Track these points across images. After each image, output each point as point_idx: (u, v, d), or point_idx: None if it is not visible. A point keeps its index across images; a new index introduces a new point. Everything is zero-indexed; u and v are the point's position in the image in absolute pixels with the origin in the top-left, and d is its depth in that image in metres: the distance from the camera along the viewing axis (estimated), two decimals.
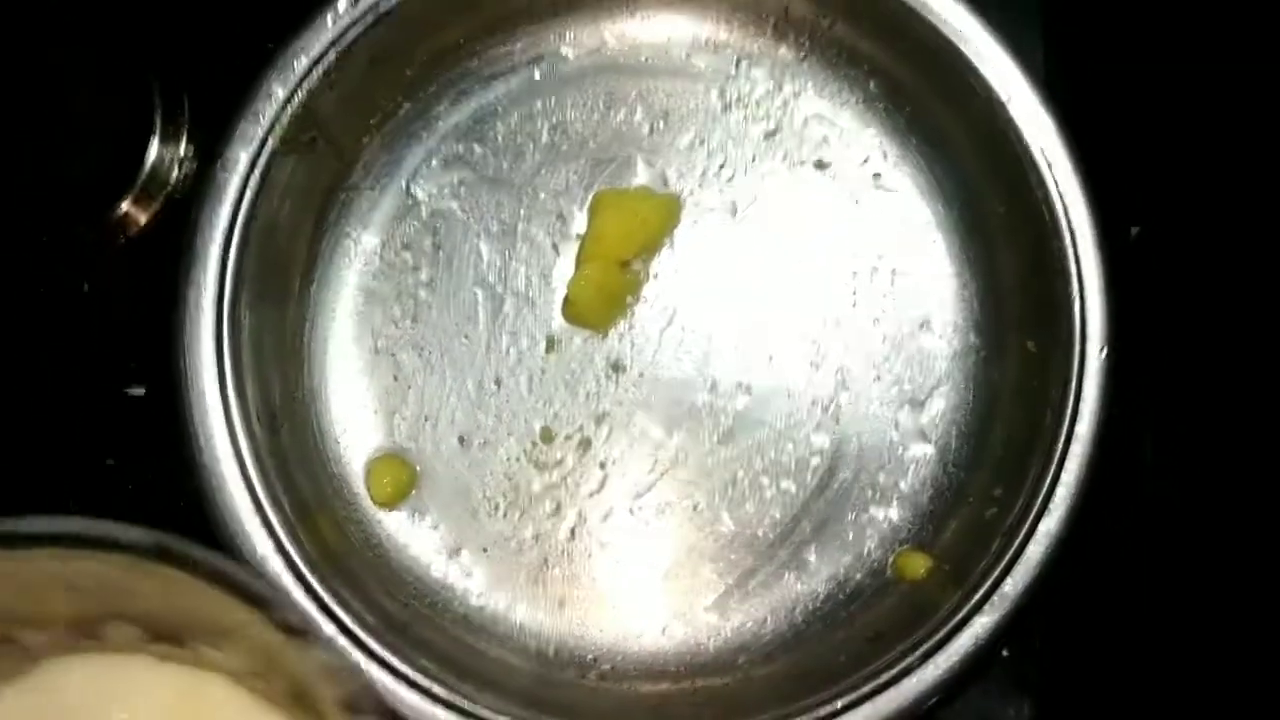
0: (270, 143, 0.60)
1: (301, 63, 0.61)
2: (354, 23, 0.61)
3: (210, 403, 0.58)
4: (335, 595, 0.56)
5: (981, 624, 0.56)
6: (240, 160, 0.60)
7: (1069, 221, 0.59)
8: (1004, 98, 0.59)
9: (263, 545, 0.57)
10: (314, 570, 0.57)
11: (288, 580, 0.56)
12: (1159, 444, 0.65)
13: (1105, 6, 0.67)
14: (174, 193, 0.71)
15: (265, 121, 0.60)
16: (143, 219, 0.71)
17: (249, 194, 0.60)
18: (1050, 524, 0.57)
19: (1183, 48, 0.67)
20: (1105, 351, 0.58)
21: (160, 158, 0.70)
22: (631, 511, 0.61)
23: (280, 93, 0.60)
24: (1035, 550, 0.57)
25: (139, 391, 0.69)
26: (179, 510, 0.60)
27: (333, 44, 0.61)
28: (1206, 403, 0.66)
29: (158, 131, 0.71)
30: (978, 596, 0.56)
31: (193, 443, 0.58)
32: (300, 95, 0.61)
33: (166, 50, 0.71)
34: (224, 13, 0.70)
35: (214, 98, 0.68)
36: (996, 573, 0.56)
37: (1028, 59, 0.59)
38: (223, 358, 0.58)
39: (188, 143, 0.71)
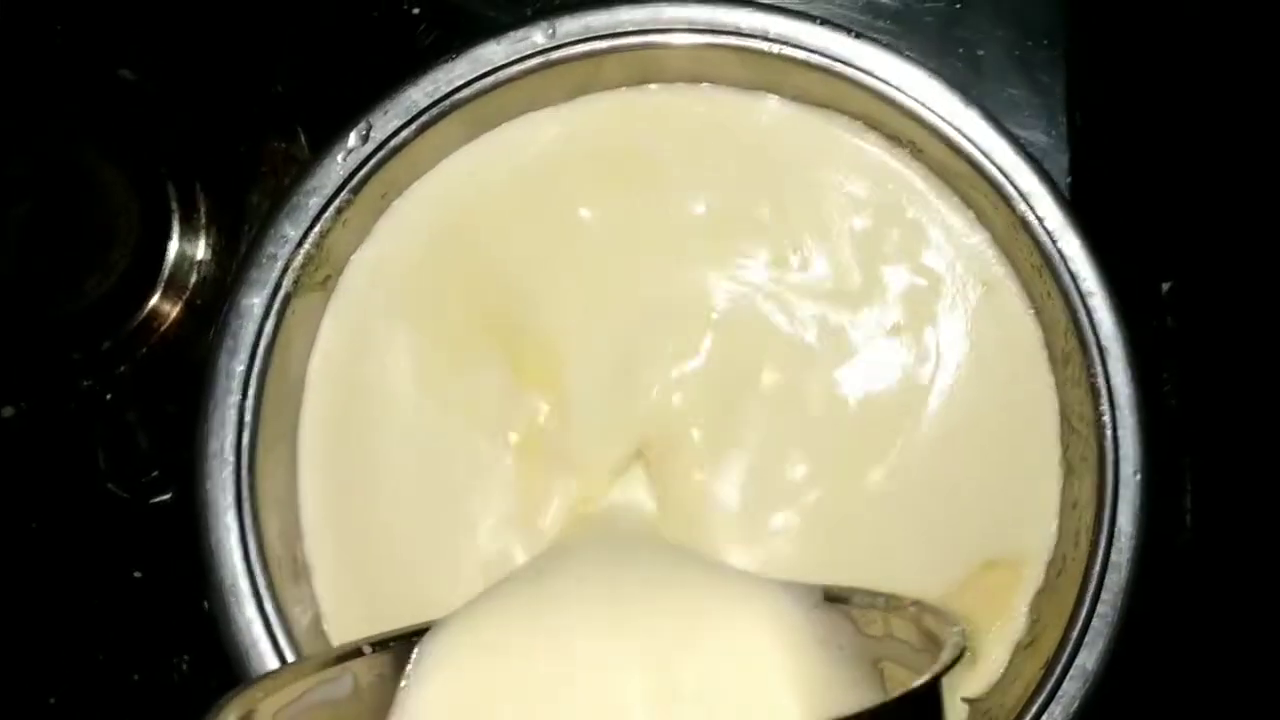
0: (285, 286, 0.59)
1: (314, 202, 0.60)
2: (366, 159, 0.60)
3: (235, 561, 0.58)
4: None
5: None
6: (255, 306, 0.59)
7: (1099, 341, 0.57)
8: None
9: None
10: None
11: None
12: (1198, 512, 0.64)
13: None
14: (194, 298, 0.71)
15: (279, 265, 0.60)
16: (164, 325, 0.71)
17: (264, 341, 0.59)
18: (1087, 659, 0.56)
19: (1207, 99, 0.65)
20: (1139, 475, 0.57)
21: (180, 258, 0.70)
22: None
23: (293, 234, 0.60)
24: (1072, 687, 0.56)
25: (165, 498, 0.69)
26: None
27: (345, 182, 0.60)
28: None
29: (175, 235, 0.71)
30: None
31: (219, 602, 0.58)
32: (313, 236, 0.60)
33: (181, 152, 0.70)
34: (232, 103, 0.70)
35: (230, 192, 0.68)
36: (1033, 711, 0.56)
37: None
38: (243, 511, 0.58)
39: (205, 245, 0.71)
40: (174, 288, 0.71)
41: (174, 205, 0.72)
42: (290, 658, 0.57)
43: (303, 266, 0.60)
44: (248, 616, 0.57)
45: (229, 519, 0.58)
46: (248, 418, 0.59)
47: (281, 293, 0.60)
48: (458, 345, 0.60)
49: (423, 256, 0.61)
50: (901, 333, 0.61)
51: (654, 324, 0.60)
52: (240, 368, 0.59)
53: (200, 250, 0.72)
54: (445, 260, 0.61)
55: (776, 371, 0.60)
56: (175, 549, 0.62)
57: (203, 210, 0.72)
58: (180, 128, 0.72)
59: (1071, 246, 0.59)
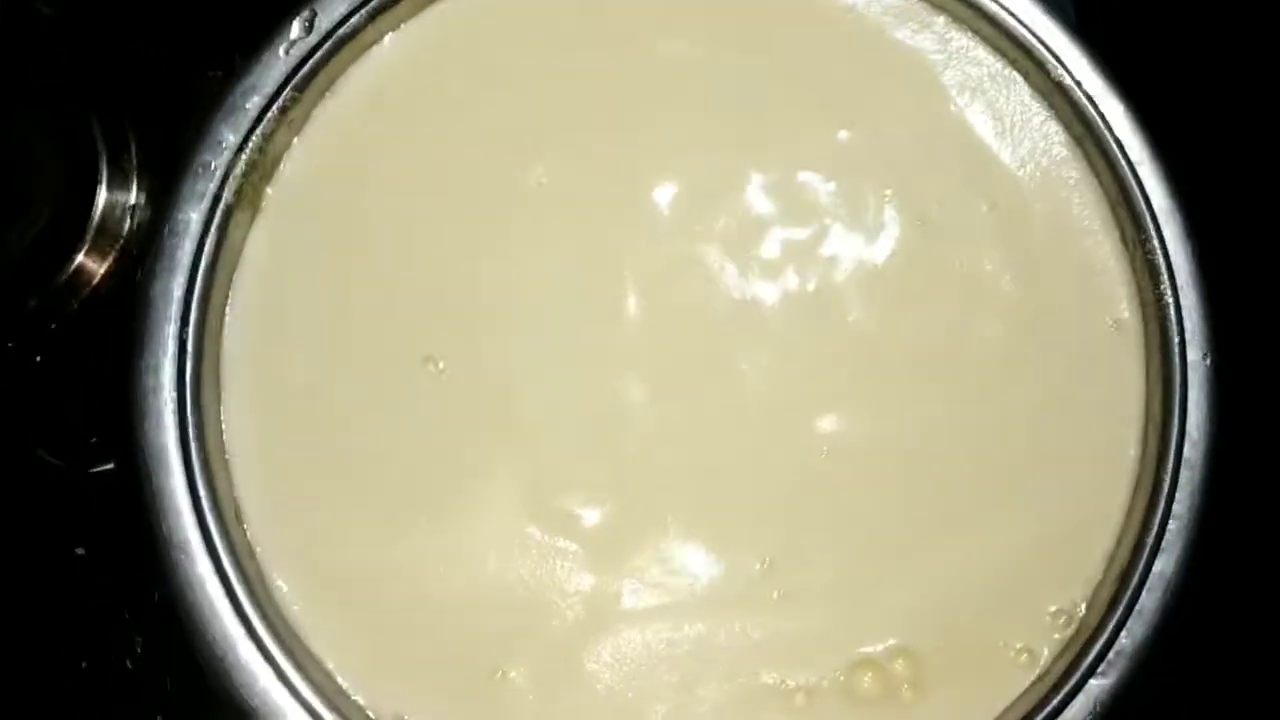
0: (225, 198, 0.52)
1: (254, 102, 0.52)
2: (312, 51, 0.52)
3: (182, 508, 0.50)
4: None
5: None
6: (191, 222, 0.52)
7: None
8: None
9: (250, 660, 0.49)
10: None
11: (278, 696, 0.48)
12: None
13: None
14: (128, 245, 0.64)
15: (218, 175, 0.52)
16: (100, 271, 0.63)
17: (204, 260, 0.51)
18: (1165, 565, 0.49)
19: None
20: (1209, 359, 0.50)
21: (110, 207, 0.63)
22: None
23: (232, 139, 0.52)
24: (1150, 599, 0.49)
25: (107, 467, 0.62)
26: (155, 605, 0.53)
27: (289, 78, 0.52)
28: None
29: (104, 180, 0.63)
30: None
31: (169, 558, 0.50)
32: (255, 139, 0.52)
33: (107, 93, 0.63)
34: (163, 40, 0.62)
35: (164, 137, 0.62)
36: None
37: None
38: (188, 449, 0.50)
39: (138, 189, 0.64)
40: (105, 238, 0.64)
41: (101, 148, 0.64)
42: (254, 618, 0.49)
43: (245, 175, 0.52)
44: (199, 573, 0.49)
45: (174, 464, 0.50)
46: (189, 346, 0.51)
47: (222, 205, 0.52)
48: (388, 261, 0.53)
49: (363, 156, 0.53)
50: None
51: (630, 222, 0.54)
52: (179, 291, 0.51)
53: (133, 195, 0.65)
54: (383, 159, 0.53)
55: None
56: (122, 522, 0.54)
57: (134, 152, 0.65)
58: (106, 64, 0.65)
59: (1114, 111, 0.53)
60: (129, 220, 0.64)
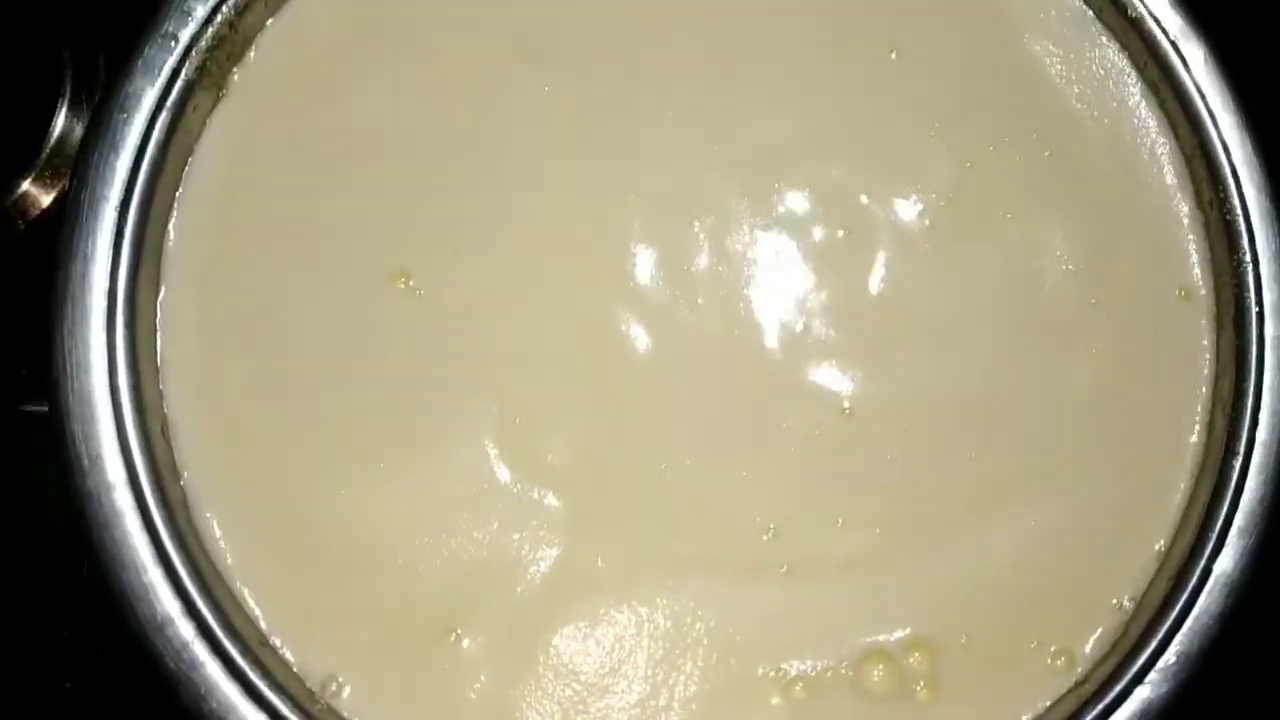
0: (185, 73, 0.45)
1: None
2: None
3: (100, 414, 0.43)
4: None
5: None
6: (144, 96, 0.45)
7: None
8: None
9: (168, 606, 0.42)
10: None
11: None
12: None
13: None
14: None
15: (179, 47, 0.46)
16: (45, 200, 0.58)
17: (154, 141, 0.45)
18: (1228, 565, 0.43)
19: None
20: None
21: (69, 128, 0.58)
22: None
23: (200, 10, 0.46)
24: (1210, 602, 0.42)
25: (40, 408, 0.55)
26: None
27: None
28: None
29: (67, 96, 0.58)
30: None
31: (76, 467, 0.43)
32: (226, 11, 0.46)
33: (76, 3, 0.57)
34: None
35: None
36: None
37: None
38: (115, 355, 0.43)
39: None
40: (53, 169, 0.58)
41: (67, 72, 0.59)
42: (171, 550, 0.42)
43: (210, 50, 0.46)
44: (111, 485, 0.42)
45: (95, 363, 0.43)
46: (128, 232, 0.44)
47: (181, 81, 0.45)
48: (361, 163, 0.46)
49: (344, 45, 0.47)
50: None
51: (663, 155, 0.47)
52: (122, 172, 0.45)
53: None
54: (366, 49, 0.47)
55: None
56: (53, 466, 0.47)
57: (101, 78, 0.59)
58: None
59: (1195, 55, 0.47)
60: None
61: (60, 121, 0.58)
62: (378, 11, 0.48)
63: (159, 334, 0.45)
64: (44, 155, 0.58)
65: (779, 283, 0.46)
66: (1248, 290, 0.45)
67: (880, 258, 0.47)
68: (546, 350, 0.46)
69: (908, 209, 0.47)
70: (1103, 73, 0.48)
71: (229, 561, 0.44)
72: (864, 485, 0.45)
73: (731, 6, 0.48)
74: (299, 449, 0.45)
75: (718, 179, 0.47)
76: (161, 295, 0.45)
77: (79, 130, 0.57)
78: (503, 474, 0.45)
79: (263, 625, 0.44)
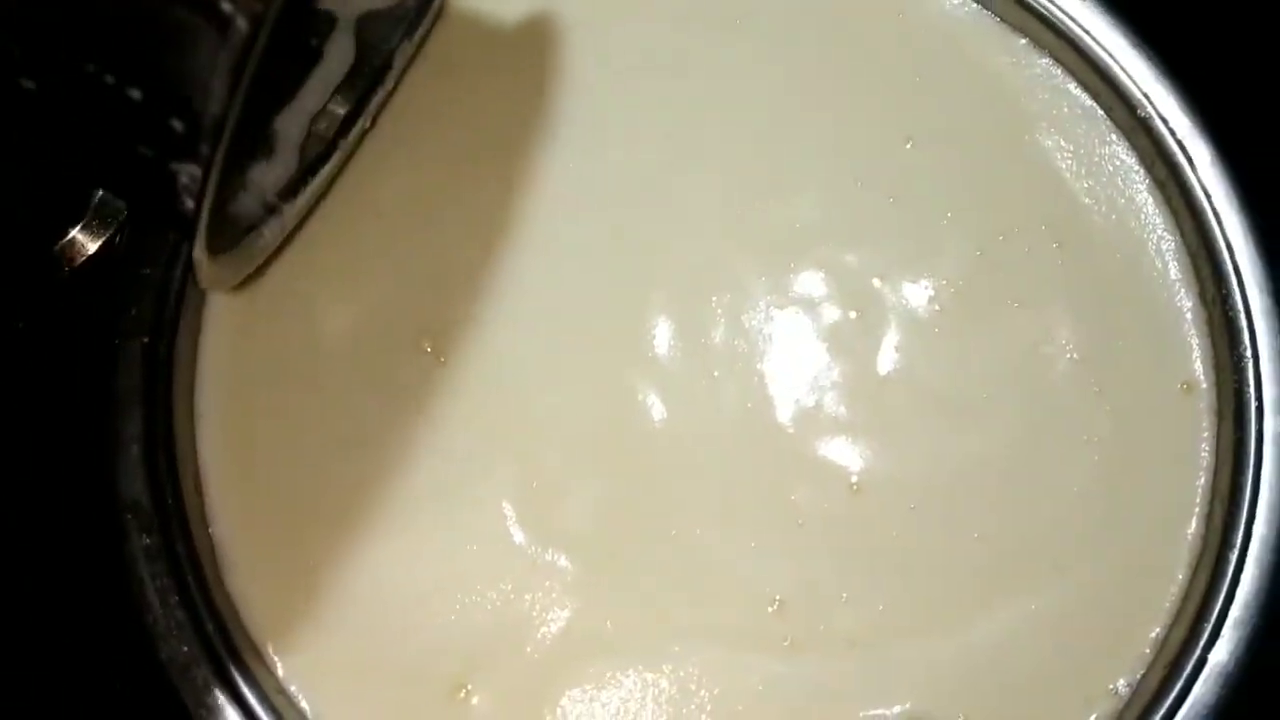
0: None
1: None
2: None
3: (134, 462, 0.45)
4: None
5: None
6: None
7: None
8: None
9: (190, 649, 0.44)
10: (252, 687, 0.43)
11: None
12: None
13: None
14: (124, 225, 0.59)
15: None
16: (91, 248, 0.59)
17: None
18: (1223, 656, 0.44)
19: None
20: None
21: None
22: None
23: None
24: (1205, 691, 0.43)
25: None
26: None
27: None
28: None
29: None
30: None
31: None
32: None
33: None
34: None
35: None
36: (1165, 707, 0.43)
37: None
38: (153, 401, 0.45)
39: None
40: (100, 219, 0.59)
41: None
42: (196, 597, 0.44)
43: None
44: (141, 534, 0.44)
45: (135, 408, 0.45)
46: (171, 292, 0.46)
47: None
48: (403, 228, 0.49)
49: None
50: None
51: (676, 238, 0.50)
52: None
53: None
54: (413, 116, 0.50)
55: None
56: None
57: None
58: None
59: (1202, 155, 0.48)
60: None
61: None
62: (416, 84, 0.50)
63: (197, 388, 0.47)
64: (92, 206, 0.60)
65: (792, 359, 0.48)
66: (1248, 385, 0.46)
67: (891, 339, 0.48)
68: (565, 417, 0.48)
69: (918, 293, 0.49)
70: (1111, 169, 0.50)
71: (251, 610, 0.46)
72: (869, 561, 0.46)
73: (758, 93, 0.50)
74: (323, 505, 0.47)
75: (737, 258, 0.49)
76: (200, 355, 0.47)
77: None
78: (519, 536, 0.47)
79: (280, 673, 0.45)
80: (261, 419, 0.47)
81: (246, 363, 0.47)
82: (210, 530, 0.46)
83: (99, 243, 0.60)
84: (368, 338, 0.48)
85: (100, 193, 0.60)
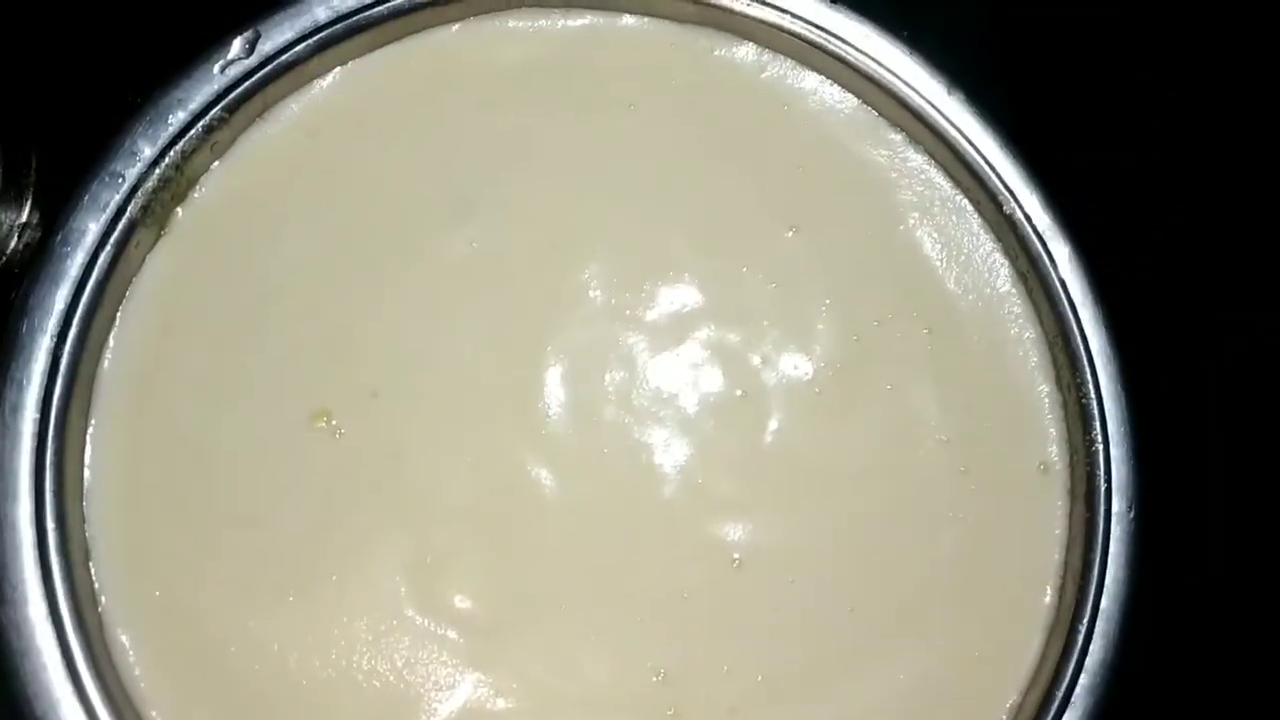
0: (130, 211, 0.48)
1: (178, 117, 0.49)
2: (249, 73, 0.49)
3: (23, 541, 0.45)
4: None
5: None
6: (87, 233, 0.48)
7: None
8: None
9: None
10: None
11: None
12: None
13: None
14: (11, 265, 0.59)
15: (125, 186, 0.48)
16: None
17: (96, 274, 0.47)
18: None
19: None
20: (1133, 510, 0.49)
21: None
22: None
23: (148, 151, 0.49)
24: None
25: None
26: None
27: (220, 97, 0.49)
28: None
29: None
30: None
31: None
32: (173, 155, 0.49)
33: (11, 100, 0.59)
34: (83, 60, 0.58)
35: (68, 158, 0.57)
36: None
37: None
38: (42, 483, 0.45)
39: (32, 207, 0.59)
40: None
41: None
42: (85, 676, 0.44)
43: (155, 191, 0.49)
44: (29, 615, 0.44)
45: (22, 490, 0.45)
46: (62, 365, 0.46)
47: (125, 219, 0.48)
48: (293, 306, 0.50)
49: (285, 192, 0.50)
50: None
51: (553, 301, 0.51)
52: (61, 304, 0.47)
53: (24, 213, 0.60)
54: (306, 198, 0.50)
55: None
56: None
57: (33, 168, 0.60)
58: (17, 79, 0.60)
59: (1061, 252, 0.52)
60: (15, 238, 0.59)
61: None
62: (318, 157, 0.51)
63: (86, 462, 0.47)
64: None
65: (680, 436, 0.50)
66: (1098, 468, 0.50)
67: (773, 418, 0.51)
68: (458, 491, 0.49)
69: (799, 375, 0.51)
70: (979, 260, 0.53)
71: (141, 686, 0.46)
72: (750, 634, 0.48)
73: (647, 179, 0.52)
74: (214, 577, 0.47)
75: (626, 337, 0.51)
76: (91, 425, 0.47)
77: (6, 225, 0.58)
78: (411, 610, 0.48)
79: None
80: (152, 495, 0.47)
81: (138, 434, 0.47)
82: (100, 608, 0.46)
83: None
84: (263, 412, 0.48)
85: None
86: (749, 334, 0.51)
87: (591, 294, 0.51)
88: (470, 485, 0.49)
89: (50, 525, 0.45)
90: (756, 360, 0.51)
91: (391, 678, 0.47)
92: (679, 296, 0.51)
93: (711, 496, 0.50)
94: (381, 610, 0.47)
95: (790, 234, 0.52)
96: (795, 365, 0.51)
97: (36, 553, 0.45)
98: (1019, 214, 0.52)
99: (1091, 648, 0.48)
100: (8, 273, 0.58)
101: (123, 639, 0.46)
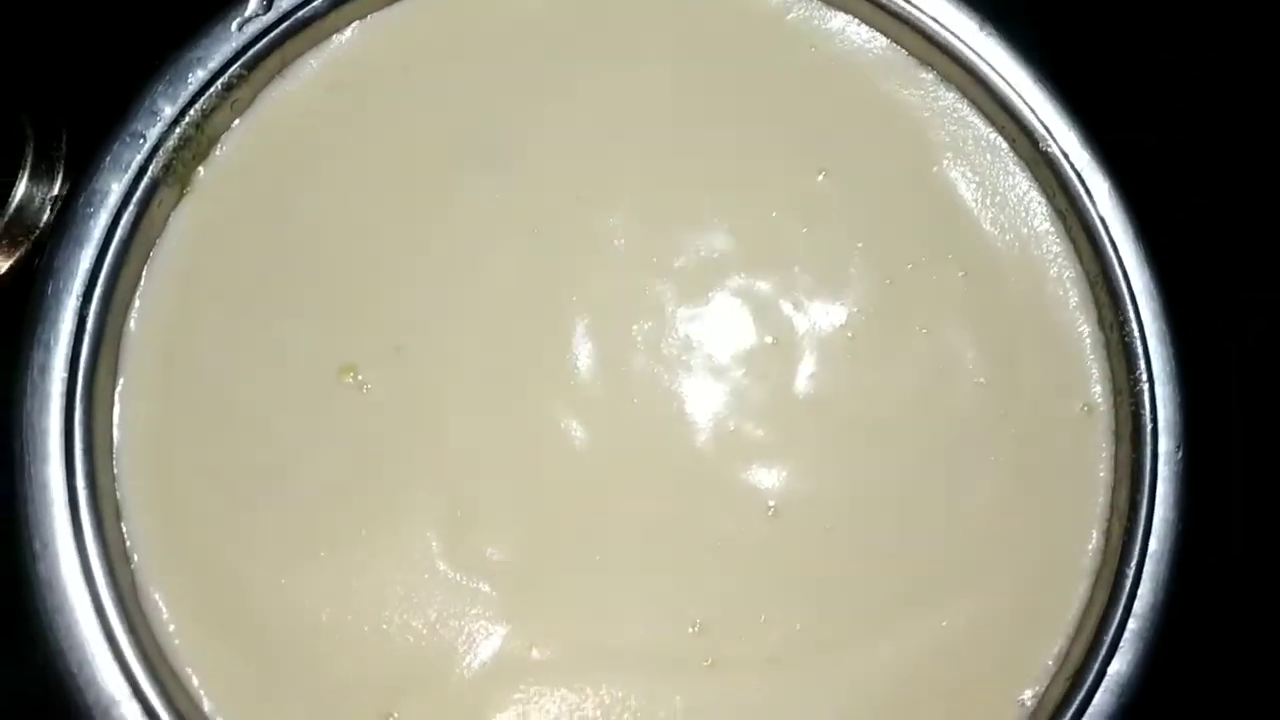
0: (152, 170, 0.48)
1: (197, 76, 0.49)
2: (267, 30, 0.49)
3: (54, 499, 0.45)
4: None
5: None
6: (110, 193, 0.47)
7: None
8: None
9: (114, 690, 0.44)
10: None
11: None
12: None
13: None
14: (44, 238, 0.59)
15: (147, 146, 0.48)
16: (3, 267, 0.58)
17: (119, 236, 0.47)
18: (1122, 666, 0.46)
19: None
20: (1181, 450, 0.48)
21: (29, 197, 0.59)
22: None
23: (168, 111, 0.48)
24: (1105, 700, 0.45)
25: None
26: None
27: (239, 54, 0.49)
28: None
29: (27, 167, 0.59)
30: None
31: (28, 551, 0.44)
32: (193, 114, 0.48)
33: (42, 74, 0.59)
34: (103, 26, 0.58)
35: (97, 130, 0.57)
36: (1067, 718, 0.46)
37: None
38: (72, 442, 0.45)
39: (64, 180, 0.59)
40: (19, 228, 0.59)
41: (29, 135, 0.60)
42: (119, 632, 0.44)
43: (177, 150, 0.48)
44: (63, 573, 0.44)
45: (53, 449, 0.45)
46: (89, 325, 0.46)
47: (147, 178, 0.48)
48: (318, 261, 0.49)
49: (307, 148, 0.50)
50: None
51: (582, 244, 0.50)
52: (86, 264, 0.47)
53: (56, 187, 0.60)
54: (328, 153, 0.50)
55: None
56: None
57: (64, 142, 0.60)
58: (48, 52, 0.61)
59: (1100, 188, 0.50)
60: (48, 212, 0.59)
61: (20, 191, 0.58)
62: (339, 112, 0.51)
63: (115, 421, 0.47)
64: (3, 223, 0.59)
65: (710, 385, 0.49)
66: (1144, 407, 0.49)
67: (806, 365, 0.50)
68: (488, 444, 0.48)
69: (831, 319, 0.50)
70: (1015, 199, 0.52)
71: (175, 643, 0.46)
72: (787, 583, 0.47)
73: (673, 123, 0.51)
74: (246, 534, 0.47)
75: (655, 286, 0.50)
76: (120, 384, 0.47)
77: (39, 199, 0.58)
78: (443, 564, 0.47)
79: (206, 707, 0.45)
80: (182, 453, 0.47)
81: (167, 392, 0.47)
82: (132, 565, 0.46)
83: (9, 263, 0.59)
84: (290, 368, 0.48)
85: (10, 209, 0.60)
86: (779, 279, 0.50)
87: (619, 242, 0.50)
88: (500, 437, 0.48)
89: (81, 483, 0.45)
90: (787, 306, 0.50)
91: (424, 631, 0.46)
92: (708, 243, 0.50)
93: (745, 444, 0.49)
94: (413, 564, 0.47)
95: (820, 177, 0.51)
96: (827, 310, 0.50)
97: (68, 511, 0.44)
98: (1056, 151, 0.51)
99: (1140, 591, 0.47)
100: (41, 245, 0.58)
101: (155, 596, 0.46)
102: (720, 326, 0.50)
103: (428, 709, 0.46)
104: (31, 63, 0.60)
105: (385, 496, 0.47)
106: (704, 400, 0.49)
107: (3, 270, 0.59)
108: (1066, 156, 0.51)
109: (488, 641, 0.46)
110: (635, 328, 0.50)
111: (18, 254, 0.59)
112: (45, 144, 0.59)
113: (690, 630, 0.47)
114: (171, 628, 0.46)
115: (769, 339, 0.50)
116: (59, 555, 0.44)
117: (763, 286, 0.50)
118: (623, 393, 0.49)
